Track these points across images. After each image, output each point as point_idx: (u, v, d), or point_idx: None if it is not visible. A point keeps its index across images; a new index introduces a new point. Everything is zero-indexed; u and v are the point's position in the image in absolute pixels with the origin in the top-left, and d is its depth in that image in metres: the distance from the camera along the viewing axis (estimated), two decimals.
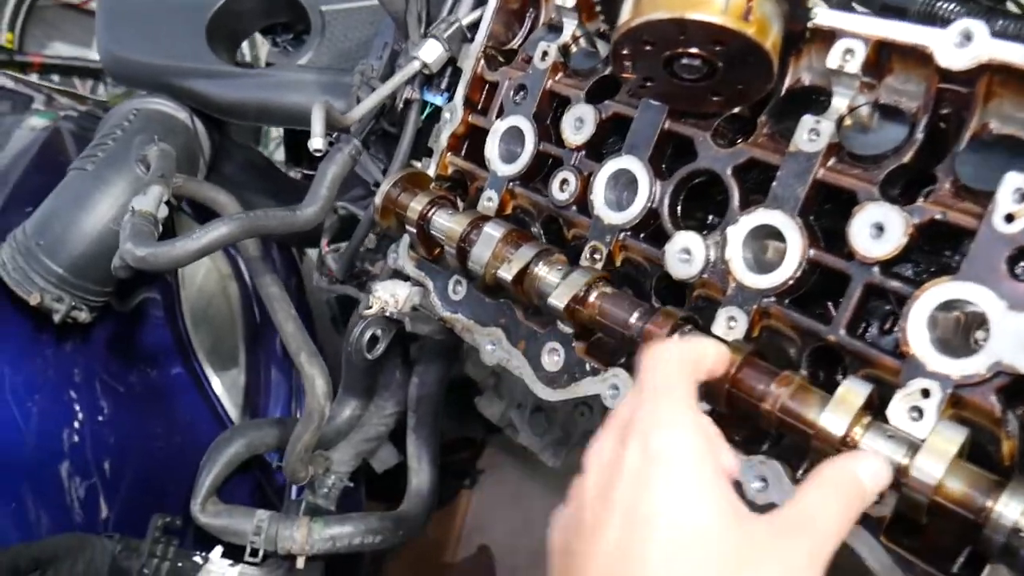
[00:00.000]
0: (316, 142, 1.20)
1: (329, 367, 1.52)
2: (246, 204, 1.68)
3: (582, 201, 1.19)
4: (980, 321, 0.85)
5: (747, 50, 0.92)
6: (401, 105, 1.45)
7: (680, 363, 0.80)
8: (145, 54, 1.82)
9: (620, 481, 0.71)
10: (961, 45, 0.89)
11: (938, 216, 0.89)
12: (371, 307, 1.37)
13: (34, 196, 1.73)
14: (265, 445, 1.62)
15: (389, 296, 1.38)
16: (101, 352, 1.72)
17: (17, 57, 3.58)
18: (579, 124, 1.20)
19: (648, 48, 0.96)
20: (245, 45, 2.54)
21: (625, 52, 0.99)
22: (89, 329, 1.67)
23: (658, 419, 0.73)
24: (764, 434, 0.99)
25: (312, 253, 2.32)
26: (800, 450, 0.92)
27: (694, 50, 0.95)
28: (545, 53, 1.27)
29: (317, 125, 1.20)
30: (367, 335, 1.38)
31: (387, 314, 1.36)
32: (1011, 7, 1.42)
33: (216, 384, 1.94)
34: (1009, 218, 0.83)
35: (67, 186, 1.59)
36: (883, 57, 0.96)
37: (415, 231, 1.29)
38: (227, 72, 1.77)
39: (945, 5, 1.13)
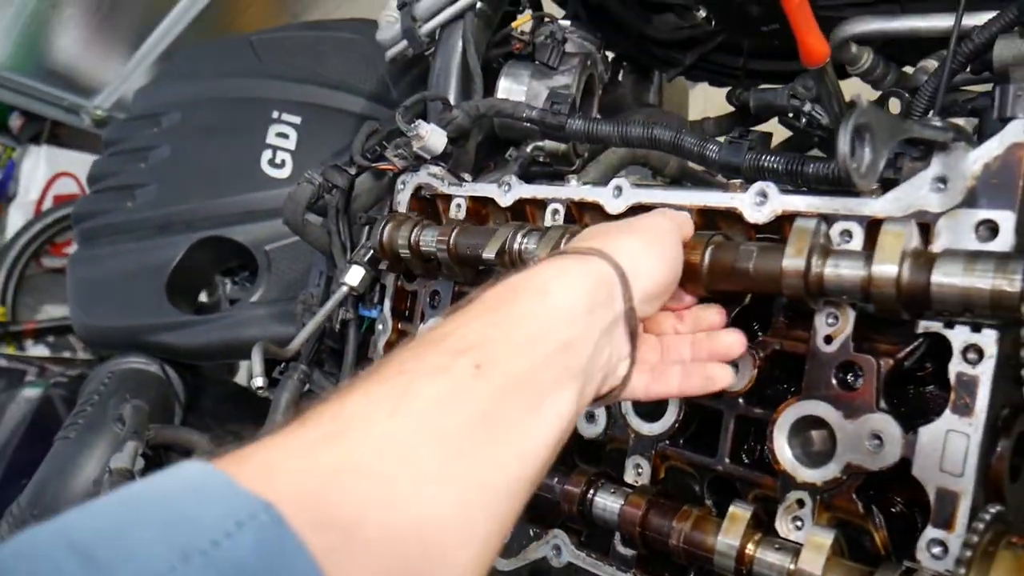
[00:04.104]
0: (258, 381, 1.36)
1: None
2: (228, 434, 1.81)
3: None
4: None
5: None
6: (339, 326, 1.61)
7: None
8: (114, 319, 2.01)
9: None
10: (760, 203, 1.06)
11: (777, 347, 1.03)
12: None
13: (29, 467, 1.86)
14: None
15: None
16: None
17: (12, 328, 3.81)
18: None
19: None
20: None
21: None
22: None
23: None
24: (685, 568, 1.09)
25: None
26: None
27: None
28: None
29: (257, 366, 1.36)
30: None
31: None
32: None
33: None
34: (828, 339, 0.97)
35: (54, 456, 1.74)
36: (709, 221, 1.13)
37: None
38: (188, 322, 1.95)
39: (768, 158, 1.32)
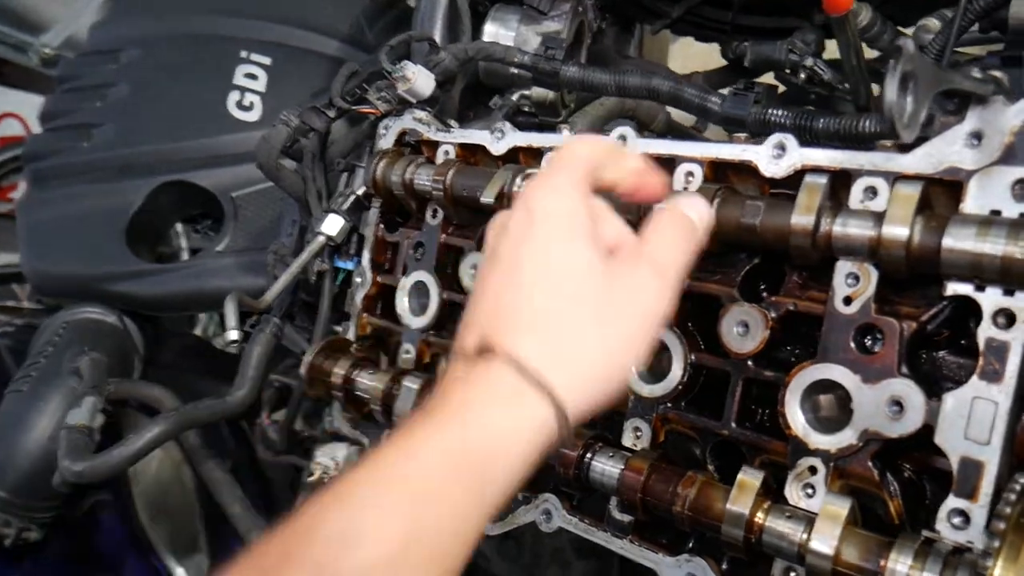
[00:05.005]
0: (231, 335, 1.28)
1: None
2: (188, 388, 1.73)
3: None
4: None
5: None
6: (314, 277, 1.53)
7: (585, 152, 0.83)
8: (69, 266, 1.90)
9: (504, 238, 0.80)
10: (778, 156, 1.01)
11: (791, 307, 0.98)
12: (313, 474, 1.42)
13: None
14: None
15: (329, 460, 1.43)
16: (58, 566, 1.72)
17: None
18: (474, 271, 1.30)
19: None
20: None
21: None
22: (43, 544, 1.68)
23: (545, 186, 0.80)
24: (686, 534, 1.05)
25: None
26: (717, 543, 0.98)
27: None
28: (436, 211, 1.37)
29: (231, 319, 1.28)
30: None
31: (327, 479, 1.40)
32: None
33: (179, 574, 1.94)
34: (847, 300, 0.93)
35: (4, 410, 1.63)
36: (720, 174, 1.08)
37: (342, 395, 1.36)
38: (149, 270, 1.85)
39: (775, 112, 1.27)
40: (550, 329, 0.74)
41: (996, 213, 0.84)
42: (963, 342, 0.96)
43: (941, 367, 0.97)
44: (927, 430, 0.86)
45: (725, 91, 1.35)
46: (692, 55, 2.74)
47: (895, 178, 0.90)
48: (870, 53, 1.57)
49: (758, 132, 1.25)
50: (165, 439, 1.33)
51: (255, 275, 1.77)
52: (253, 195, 1.93)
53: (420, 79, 1.42)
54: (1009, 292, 0.83)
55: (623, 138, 1.16)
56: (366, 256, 1.48)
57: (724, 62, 1.96)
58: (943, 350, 0.98)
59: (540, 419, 0.70)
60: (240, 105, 1.96)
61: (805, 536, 0.88)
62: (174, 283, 1.84)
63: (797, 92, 1.72)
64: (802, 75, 1.58)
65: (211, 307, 1.92)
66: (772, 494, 0.95)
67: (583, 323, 0.74)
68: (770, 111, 1.26)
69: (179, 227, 2.26)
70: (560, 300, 0.75)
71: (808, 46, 1.61)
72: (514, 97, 1.72)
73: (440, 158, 1.37)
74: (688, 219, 0.85)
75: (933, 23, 1.53)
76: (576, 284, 0.75)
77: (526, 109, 1.74)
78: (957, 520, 0.83)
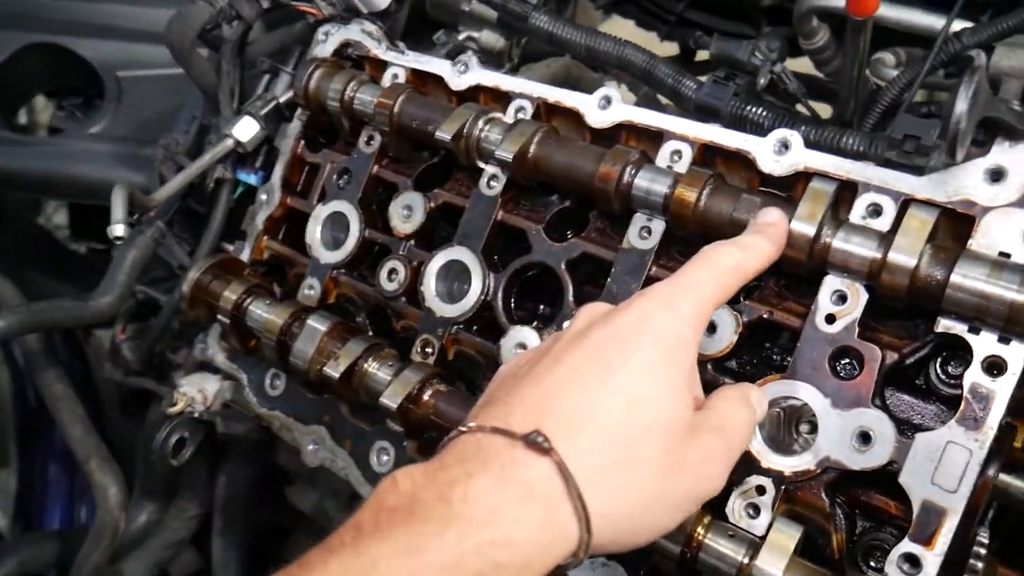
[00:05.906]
0: (117, 229, 1.08)
1: (119, 461, 1.36)
2: (23, 283, 1.49)
3: (412, 292, 1.14)
4: (800, 415, 0.88)
5: None
6: (212, 184, 1.35)
7: (726, 272, 0.77)
8: None
9: (602, 328, 0.72)
10: (780, 153, 0.94)
11: (765, 315, 0.92)
12: (176, 405, 1.24)
13: None
14: (42, 563, 1.41)
15: (196, 392, 1.26)
16: None
17: None
18: (408, 212, 1.17)
19: None
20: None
21: None
22: None
23: (670, 306, 0.72)
24: None
25: (100, 333, 2.10)
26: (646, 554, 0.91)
27: None
28: (372, 137, 1.23)
29: (118, 211, 1.08)
30: (173, 439, 1.24)
31: (195, 414, 1.23)
32: (800, 109, 1.55)
33: None
34: (830, 319, 0.87)
35: None
36: (709, 159, 1.00)
37: (228, 322, 1.19)
38: (4, 139, 1.58)
39: (754, 109, 1.20)
40: (613, 450, 0.66)
41: (1004, 255, 0.80)
42: (918, 381, 0.94)
43: (892, 403, 0.94)
44: (892, 468, 0.82)
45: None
46: None
47: (904, 200, 0.85)
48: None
49: (731, 125, 1.19)
50: (6, 338, 1.12)
51: (131, 169, 1.54)
52: (143, 79, 1.70)
53: None
54: (1005, 340, 0.79)
55: (607, 99, 1.06)
56: (278, 172, 1.31)
57: None
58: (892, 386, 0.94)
59: (567, 536, 0.63)
60: None
61: (747, 560, 0.83)
62: (31, 159, 1.59)
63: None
64: (762, 80, 1.54)
65: (70, 194, 1.68)
66: (711, 507, 0.88)
67: (647, 459, 0.67)
68: (749, 107, 1.20)
69: (41, 99, 1.98)
70: (635, 425, 0.67)
71: (772, 52, 1.56)
72: (461, 36, 1.59)
73: (387, 80, 1.23)
74: (753, 409, 0.78)
75: (888, 58, 1.51)
76: (657, 416, 0.68)
77: (471, 53, 1.61)
78: (907, 566, 0.79)
